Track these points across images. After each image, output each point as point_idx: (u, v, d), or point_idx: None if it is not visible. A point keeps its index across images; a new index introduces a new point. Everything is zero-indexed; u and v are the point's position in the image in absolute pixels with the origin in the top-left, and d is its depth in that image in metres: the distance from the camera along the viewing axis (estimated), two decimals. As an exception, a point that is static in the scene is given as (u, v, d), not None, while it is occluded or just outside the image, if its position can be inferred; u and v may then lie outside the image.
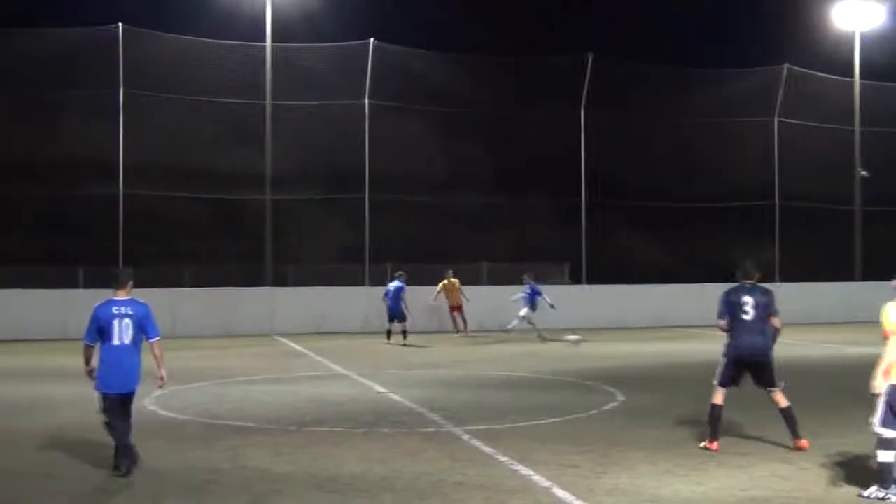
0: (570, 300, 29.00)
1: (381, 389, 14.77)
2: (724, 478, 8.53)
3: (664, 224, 31.74)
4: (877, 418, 7.44)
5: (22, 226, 27.99)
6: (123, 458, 8.46)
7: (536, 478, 8.57)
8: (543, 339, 23.54)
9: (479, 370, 17.79)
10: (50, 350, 21.86)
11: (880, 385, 7.45)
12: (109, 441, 8.71)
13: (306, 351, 21.52)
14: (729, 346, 9.88)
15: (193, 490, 8.10)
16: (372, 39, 29.21)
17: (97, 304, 8.68)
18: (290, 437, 10.79)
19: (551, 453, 9.65)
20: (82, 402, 11.77)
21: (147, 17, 28.75)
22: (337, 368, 17.80)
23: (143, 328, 8.63)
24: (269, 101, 28.69)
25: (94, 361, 8.62)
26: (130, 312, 8.57)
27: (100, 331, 8.54)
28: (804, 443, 9.55)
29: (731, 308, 9.86)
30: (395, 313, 23.21)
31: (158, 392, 14.23)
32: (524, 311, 24.29)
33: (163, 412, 12.55)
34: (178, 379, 16.19)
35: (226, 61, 28.39)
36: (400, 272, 23.70)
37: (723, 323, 9.92)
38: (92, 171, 27.69)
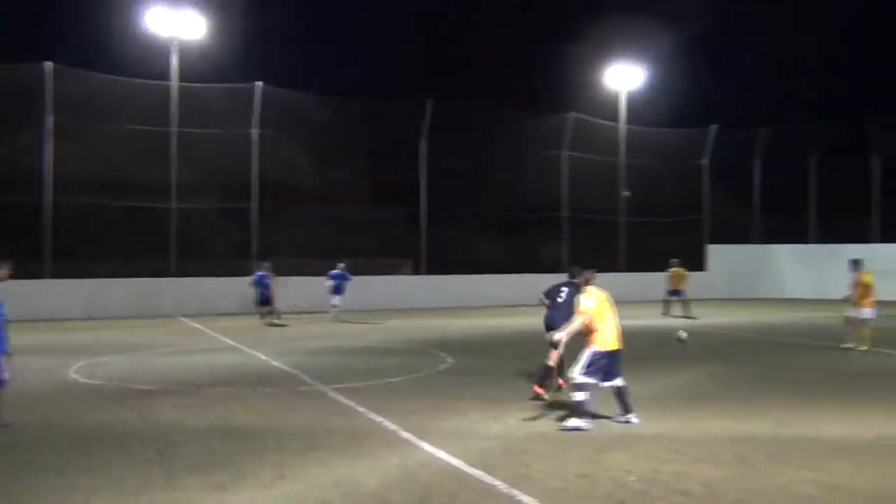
0: (413, 286, 29.52)
1: (264, 357, 14.52)
2: (519, 419, 8.85)
3: (488, 229, 32.39)
4: (576, 370, 8.35)
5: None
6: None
7: (386, 423, 8.65)
8: (341, 320, 22.01)
9: (342, 342, 17.68)
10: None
11: (559, 338, 8.82)
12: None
13: (205, 329, 20.84)
14: (546, 318, 10.77)
15: (113, 440, 7.77)
16: (260, 82, 28.67)
17: None
18: (192, 397, 10.47)
19: (399, 404, 9.75)
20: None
21: (76, 57, 27.21)
22: (229, 342, 17.37)
23: None
24: (175, 128, 27.70)
25: None
26: None
27: None
28: (540, 392, 10.07)
29: (553, 293, 10.85)
30: (264, 298, 21.49)
31: (80, 363, 13.56)
32: (336, 300, 22.32)
33: (84, 380, 11.92)
34: (97, 352, 15.46)
35: (140, 95, 27.30)
36: (266, 263, 22.08)
37: (545, 300, 10.96)
38: (27, 183, 26.00)
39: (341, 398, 10.22)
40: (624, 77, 35.12)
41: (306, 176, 30.63)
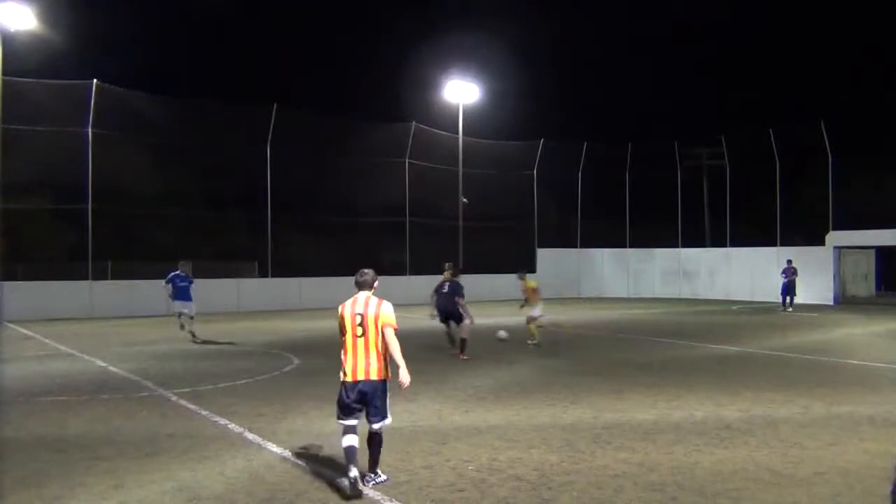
0: (258, 289, 28.66)
1: (102, 363, 13.54)
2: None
3: (333, 233, 32.02)
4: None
5: None
6: None
7: (232, 426, 8.33)
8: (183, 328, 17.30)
9: (187, 345, 16.83)
10: None
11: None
12: None
13: (36, 335, 19.13)
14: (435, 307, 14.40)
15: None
16: (95, 80, 26.75)
17: None
18: (19, 407, 9.56)
19: (244, 406, 9.42)
20: None
21: None
22: (63, 348, 16.05)
23: None
24: None
25: None
26: None
27: None
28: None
29: (438, 287, 14.44)
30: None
31: None
32: (178, 304, 17.12)
33: None
34: None
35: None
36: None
37: (434, 296, 14.51)
38: None
39: (184, 402, 9.73)
40: (461, 91, 36.00)
41: (145, 177, 28.97)
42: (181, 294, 17.11)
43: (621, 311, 27.59)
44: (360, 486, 5.93)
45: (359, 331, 6.15)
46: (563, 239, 38.34)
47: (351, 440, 6.09)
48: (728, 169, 36.44)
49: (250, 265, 31.70)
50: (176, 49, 43.77)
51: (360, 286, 6.39)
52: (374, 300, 6.30)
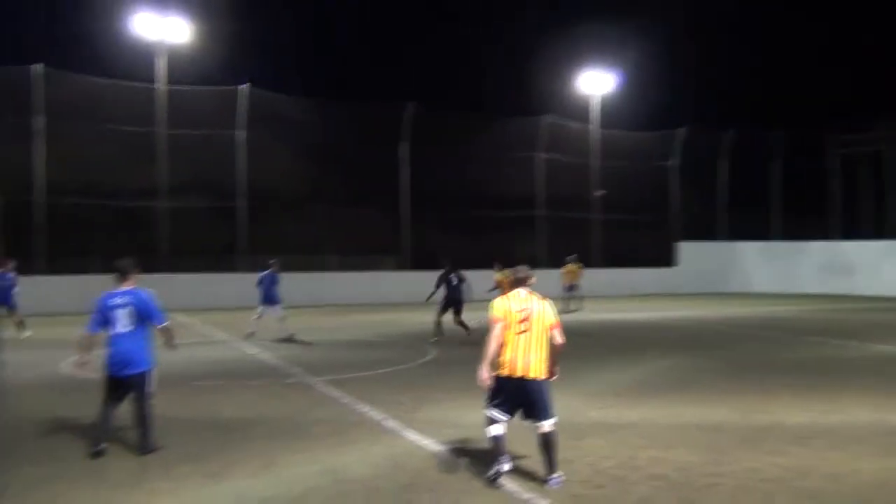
0: (397, 282, 29.37)
1: (253, 351, 14.40)
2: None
3: (467, 227, 32.31)
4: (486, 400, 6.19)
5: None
6: (103, 435, 6.95)
7: (372, 413, 8.60)
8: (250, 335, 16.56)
9: (329, 336, 17.58)
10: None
11: (485, 379, 6.04)
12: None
13: (196, 323, 20.64)
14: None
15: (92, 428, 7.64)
16: (247, 84, 28.46)
17: (102, 295, 7.12)
18: (181, 389, 10.35)
19: (383, 395, 9.70)
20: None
21: (66, 60, 26.85)
22: (218, 336, 17.20)
23: (146, 316, 7.08)
24: (162, 129, 27.46)
25: (92, 352, 7.14)
26: (132, 301, 7.03)
27: (103, 320, 7.00)
28: None
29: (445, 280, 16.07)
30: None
31: (73, 357, 13.34)
32: (262, 309, 16.73)
33: (86, 374, 11.73)
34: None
35: (128, 98, 27.05)
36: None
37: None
38: (17, 183, 25.67)
39: (328, 389, 10.16)
40: (596, 82, 35.29)
41: (291, 175, 30.49)
42: (271, 297, 16.36)
43: (770, 307, 26.08)
44: (500, 480, 5.92)
45: (523, 327, 6.02)
46: (705, 232, 36.70)
47: (498, 430, 6.03)
48: (887, 156, 33.53)
49: (389, 259, 32.58)
50: (317, 51, 45.71)
51: (519, 282, 6.30)
52: (536, 297, 6.22)
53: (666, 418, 8.36)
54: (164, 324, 7.23)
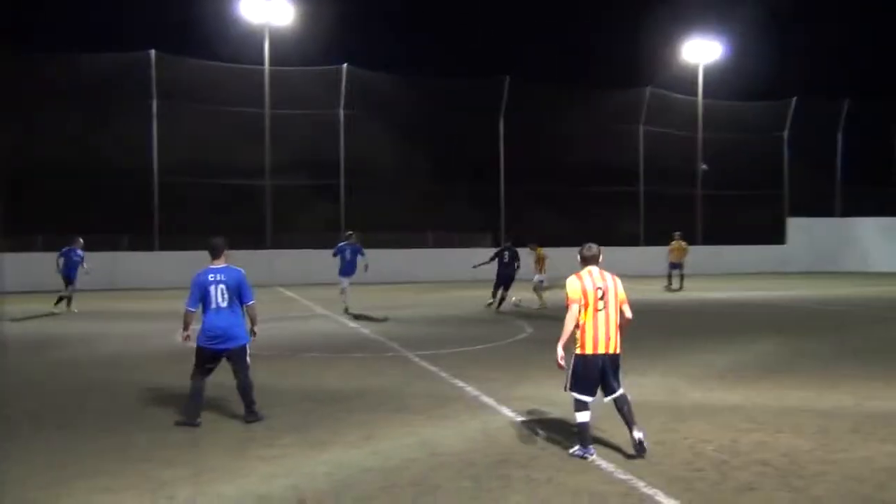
0: (470, 259, 29.32)
1: (353, 325, 14.80)
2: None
3: (564, 203, 31.92)
4: (567, 384, 6.22)
5: (80, 206, 27.28)
6: (196, 410, 7.20)
7: (468, 388, 8.69)
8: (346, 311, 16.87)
9: (427, 311, 17.86)
10: (100, 297, 21.45)
11: (562, 358, 6.18)
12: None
13: (299, 298, 21.39)
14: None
15: (215, 401, 8.05)
16: (346, 64, 28.98)
17: (197, 272, 7.33)
18: (286, 361, 10.78)
19: (479, 371, 9.78)
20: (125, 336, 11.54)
21: (176, 44, 28.10)
22: (321, 310, 17.76)
23: (237, 293, 7.25)
24: (267, 110, 28.39)
25: (194, 325, 7.40)
26: (224, 279, 7.21)
27: (200, 296, 7.23)
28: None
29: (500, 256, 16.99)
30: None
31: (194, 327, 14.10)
32: (346, 283, 17.07)
33: (192, 343, 12.39)
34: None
35: (235, 80, 28.12)
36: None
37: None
38: (135, 163, 27.28)
39: (426, 364, 10.34)
40: (702, 50, 33.88)
41: (389, 152, 30.91)
42: (349, 268, 16.56)
43: (889, 287, 24.54)
44: (589, 455, 6.01)
45: (600, 304, 6.08)
46: (819, 208, 34.78)
47: (587, 416, 6.10)
48: None
49: (483, 235, 32.63)
50: (413, 27, 45.93)
51: (590, 260, 6.29)
52: (609, 275, 6.25)
53: (772, 401, 8.05)
54: (252, 302, 7.42)
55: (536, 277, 18.03)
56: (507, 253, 17.44)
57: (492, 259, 17.71)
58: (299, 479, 5.60)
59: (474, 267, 18.36)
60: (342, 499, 5.22)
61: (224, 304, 7.22)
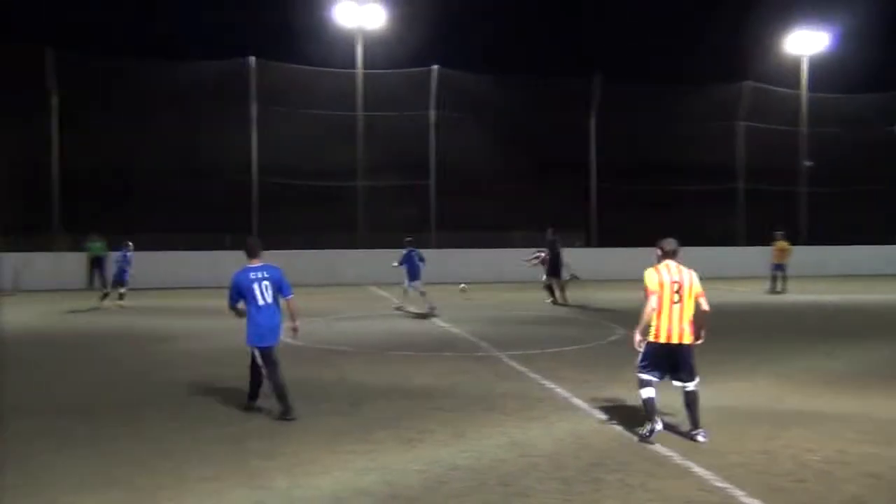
0: (582, 258, 28.89)
1: (444, 325, 14.92)
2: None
3: (659, 202, 31.11)
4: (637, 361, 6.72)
5: (184, 208, 28.68)
6: (284, 401, 7.44)
7: (559, 390, 8.62)
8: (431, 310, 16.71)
9: (515, 311, 17.83)
10: (203, 295, 22.41)
11: (639, 343, 6.68)
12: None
13: (388, 296, 21.71)
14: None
15: (309, 396, 8.29)
16: (436, 66, 29.22)
17: (235, 272, 7.63)
18: (378, 358, 10.98)
19: (570, 372, 9.68)
20: (225, 332, 12.04)
21: (271, 49, 29.09)
22: (411, 309, 17.96)
23: (279, 288, 7.62)
24: (360, 112, 29.02)
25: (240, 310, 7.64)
26: (267, 276, 7.53)
27: (240, 295, 7.51)
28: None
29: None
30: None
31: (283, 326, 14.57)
32: (406, 284, 17.50)
33: (286, 340, 12.79)
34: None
35: (329, 84, 28.86)
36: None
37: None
38: (234, 165, 28.48)
39: (516, 364, 10.31)
40: (806, 41, 32.33)
41: (479, 152, 30.93)
42: (418, 273, 17.07)
43: None
44: (657, 426, 6.47)
45: (675, 297, 6.53)
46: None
47: (651, 392, 6.57)
48: None
49: (576, 235, 32.18)
50: (501, 25, 45.75)
51: (669, 255, 6.74)
52: (686, 269, 6.68)
53: (885, 412, 7.61)
54: (292, 296, 7.71)
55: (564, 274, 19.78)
56: (557, 246, 19.26)
57: (546, 255, 19.38)
58: (392, 475, 5.69)
59: (526, 261, 20.32)
60: (434, 496, 5.27)
61: (269, 301, 7.51)
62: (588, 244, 31.01)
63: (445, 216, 29.38)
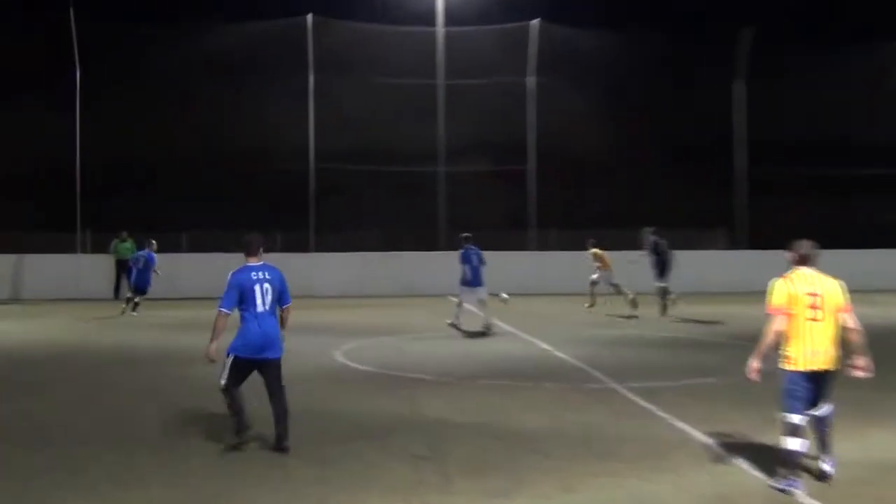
0: (730, 264, 28.09)
1: (546, 346, 14.83)
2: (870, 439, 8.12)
3: (827, 191, 30.01)
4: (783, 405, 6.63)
5: (224, 198, 29.38)
6: (243, 427, 7.81)
7: (694, 433, 8.43)
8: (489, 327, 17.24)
9: (636, 330, 17.60)
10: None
11: (756, 372, 6.73)
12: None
13: (474, 309, 21.71)
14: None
15: (378, 435, 8.38)
16: (538, 20, 29.03)
17: (232, 271, 7.87)
18: (463, 388, 11.01)
19: (708, 411, 9.46)
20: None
21: (331, 6, 29.49)
22: (504, 326, 17.95)
23: (280, 294, 7.89)
24: (441, 80, 29.09)
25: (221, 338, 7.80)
26: (269, 277, 7.81)
27: (241, 298, 7.72)
28: None
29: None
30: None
31: (347, 346, 14.84)
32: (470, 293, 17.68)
33: (352, 364, 13.03)
34: (364, 333, 16.82)
35: (402, 45, 29.01)
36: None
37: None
38: (286, 149, 28.96)
39: (637, 399, 10.15)
40: None
41: (592, 129, 30.53)
42: (479, 277, 17.20)
43: None
44: (796, 489, 6.36)
45: (813, 314, 6.46)
46: None
47: (798, 443, 6.44)
48: None
49: (719, 233, 31.36)
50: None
51: (804, 261, 6.63)
52: (827, 278, 6.59)
53: None
54: (290, 304, 8.03)
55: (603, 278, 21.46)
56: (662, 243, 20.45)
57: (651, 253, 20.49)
58: (479, 536, 5.68)
59: (631, 262, 21.67)
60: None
61: (267, 308, 7.76)
62: (734, 245, 30.19)
63: (548, 208, 29.09)
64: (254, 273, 7.81)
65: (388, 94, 28.97)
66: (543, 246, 28.45)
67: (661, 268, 20.18)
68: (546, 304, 23.15)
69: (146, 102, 28.58)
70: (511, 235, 29.38)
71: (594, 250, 21.46)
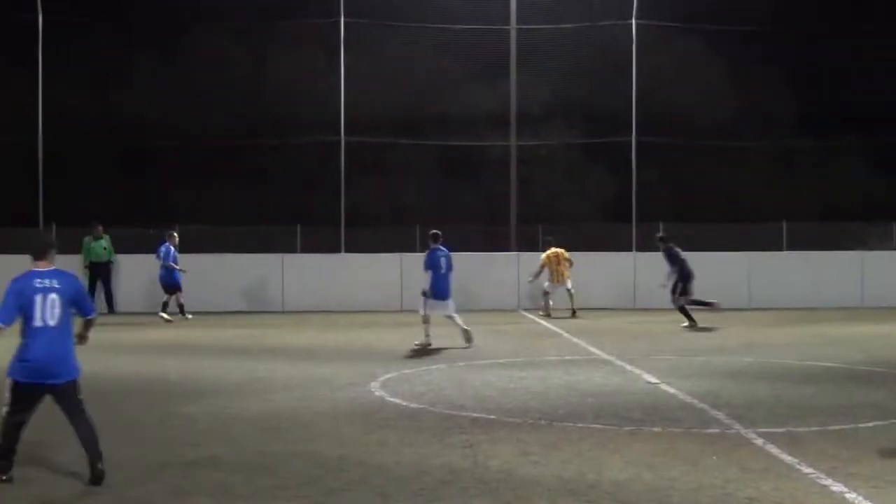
0: (887, 270, 27.54)
1: (652, 379, 14.74)
2: None
3: None
4: None
5: (228, 179, 29.63)
6: (4, 467, 8.24)
7: (853, 497, 8.26)
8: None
9: (771, 357, 17.46)
10: (265, 322, 23.25)
11: None
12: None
13: (559, 330, 21.65)
14: None
15: (427, 491, 8.35)
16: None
17: (14, 277, 8.28)
18: (540, 433, 10.94)
19: (872, 466, 9.29)
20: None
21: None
22: (596, 352, 17.86)
23: (76, 304, 8.42)
24: (513, 25, 29.01)
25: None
26: (58, 286, 8.21)
27: (19, 309, 8.10)
28: None
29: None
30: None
31: (386, 376, 14.88)
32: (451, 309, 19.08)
33: (392, 399, 13.06)
34: (409, 361, 16.87)
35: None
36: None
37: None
38: (308, 117, 29.05)
39: (774, 449, 10.01)
40: None
41: (712, 92, 30.30)
42: (447, 286, 18.61)
43: None
44: None
45: None
46: None
47: None
48: None
49: (881, 229, 30.91)
50: None
51: None
52: None
53: None
54: (94, 316, 8.66)
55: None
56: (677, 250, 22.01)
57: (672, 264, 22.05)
58: None
59: (663, 286, 22.42)
60: None
61: (52, 322, 8.13)
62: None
63: (650, 193, 28.79)
64: (38, 280, 8.18)
65: (441, 46, 29.00)
66: (648, 245, 28.23)
67: (687, 279, 21.85)
68: (645, 322, 22.99)
69: (125, 56, 28.95)
70: (607, 229, 29.16)
71: (553, 250, 23.69)
